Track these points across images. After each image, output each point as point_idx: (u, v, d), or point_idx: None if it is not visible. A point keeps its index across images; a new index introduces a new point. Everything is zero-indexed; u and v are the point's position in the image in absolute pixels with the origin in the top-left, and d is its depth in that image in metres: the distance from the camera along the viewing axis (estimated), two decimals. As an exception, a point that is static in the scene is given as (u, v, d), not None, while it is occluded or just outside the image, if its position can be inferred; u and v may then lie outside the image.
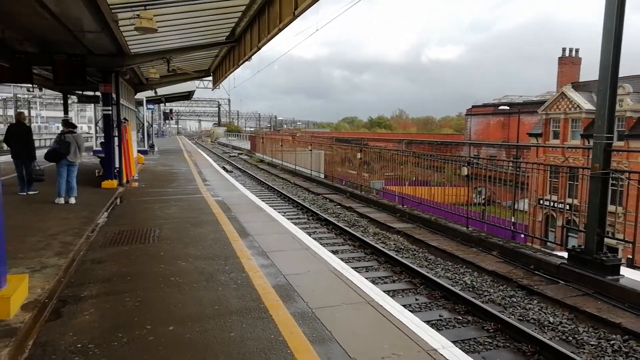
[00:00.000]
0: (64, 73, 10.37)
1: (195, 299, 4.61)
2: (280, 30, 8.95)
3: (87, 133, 40.01)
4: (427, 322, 5.10)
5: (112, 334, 3.81)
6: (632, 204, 6.86)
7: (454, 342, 4.17)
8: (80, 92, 18.81)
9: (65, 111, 20.77)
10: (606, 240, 6.90)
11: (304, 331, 3.88)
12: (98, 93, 14.64)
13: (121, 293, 4.73)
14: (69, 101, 22.74)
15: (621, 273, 6.52)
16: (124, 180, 12.84)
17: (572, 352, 4.87)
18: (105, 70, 11.77)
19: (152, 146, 27.92)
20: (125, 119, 14.50)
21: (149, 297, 4.65)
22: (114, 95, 12.40)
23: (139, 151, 21.58)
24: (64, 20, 7.82)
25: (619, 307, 5.95)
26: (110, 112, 12.16)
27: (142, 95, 24.10)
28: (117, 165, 12.50)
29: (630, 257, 6.67)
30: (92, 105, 23.31)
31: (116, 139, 12.59)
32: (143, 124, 26.51)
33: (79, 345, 3.61)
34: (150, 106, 30.38)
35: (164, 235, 7.16)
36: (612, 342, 5.24)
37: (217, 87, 22.19)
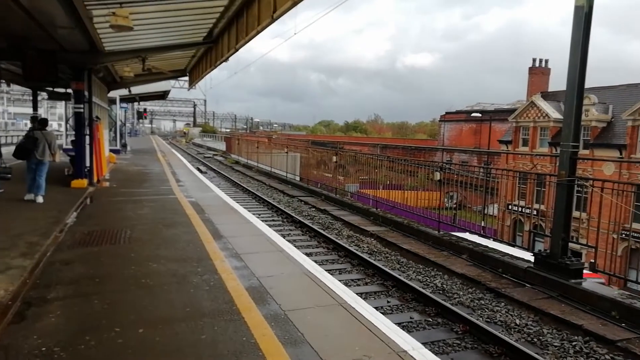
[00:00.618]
0: (34, 69, 10.09)
1: (167, 301, 4.56)
2: (258, 32, 8.95)
3: (58, 131, 38.91)
4: (398, 324, 5.17)
5: (79, 337, 3.74)
6: (596, 210, 7.13)
7: (423, 343, 4.26)
8: (51, 89, 18.28)
9: (35, 108, 20.19)
10: (570, 245, 7.15)
11: (276, 333, 3.89)
12: (69, 90, 14.27)
13: (89, 295, 4.64)
14: (39, 97, 22.08)
15: (584, 277, 6.77)
16: (95, 180, 12.59)
17: (536, 353, 5.02)
18: (78, 67, 11.52)
19: (124, 145, 27.40)
20: (97, 117, 14.22)
21: (118, 300, 4.57)
22: (86, 93, 12.15)
23: (110, 150, 21.15)
24: (36, 14, 7.63)
25: (581, 310, 6.17)
26: (81, 110, 11.89)
27: (115, 94, 23.65)
28: (87, 164, 12.23)
29: (593, 261, 6.92)
30: (63, 102, 22.76)
31: (87, 137, 12.32)
32: (116, 123, 26.00)
33: (44, 349, 3.53)
34: (124, 105, 29.84)
35: (135, 237, 7.05)
36: (574, 343, 5.42)
37: (193, 87, 21.99)
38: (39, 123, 10.06)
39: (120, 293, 4.75)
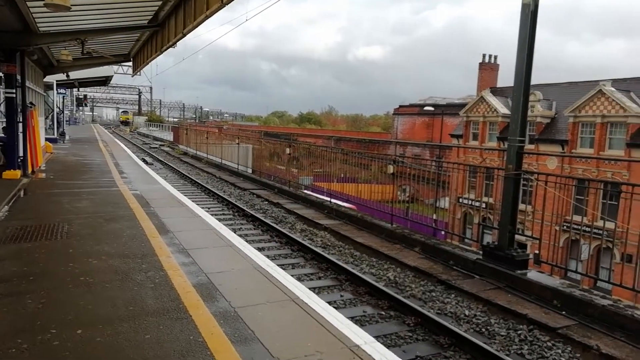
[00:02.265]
0: (-43, 48, 9.25)
1: (108, 300, 4.27)
2: (207, 17, 8.61)
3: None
4: (351, 318, 5.13)
5: (9, 339, 3.42)
6: (540, 203, 7.41)
7: (376, 337, 4.23)
8: (-22, 72, 16.92)
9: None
10: (516, 237, 7.40)
11: (226, 331, 3.73)
12: (0, 73, 13.26)
13: (22, 294, 4.28)
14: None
15: (528, 268, 7.04)
16: (29, 171, 11.81)
17: (484, 343, 5.14)
18: (9, 48, 10.66)
19: (62, 134, 25.90)
20: (31, 103, 13.32)
21: (54, 299, 4.24)
22: (18, 77, 11.30)
23: (47, 139, 19.91)
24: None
25: (526, 299, 6.41)
26: (13, 95, 11.06)
27: (52, 79, 22.25)
28: (21, 153, 11.42)
29: (537, 252, 7.20)
30: (-7, 86, 21.13)
31: (20, 125, 11.49)
32: (53, 110, 24.50)
33: (-33, 355, 3.19)
34: (62, 91, 28.19)
35: (73, 231, 6.60)
36: (519, 332, 5.61)
37: (138, 73, 21.06)
38: None
39: (57, 292, 4.40)
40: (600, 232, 7.03)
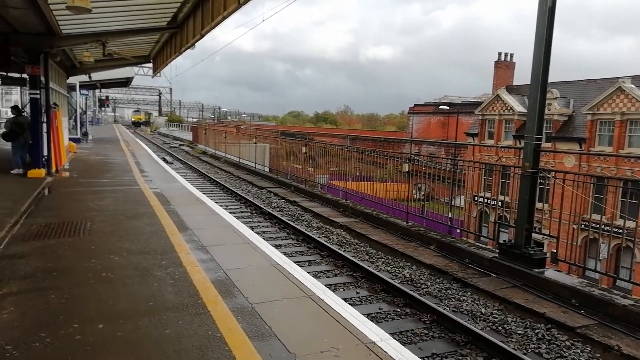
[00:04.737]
0: (-16, 52, 9.55)
1: (129, 295, 4.39)
2: (224, 17, 8.73)
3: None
4: (367, 315, 5.17)
5: (33, 333, 3.54)
6: (557, 201, 7.32)
7: (392, 334, 4.25)
8: (5, 73, 17.35)
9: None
10: (533, 235, 7.32)
11: (243, 327, 3.79)
12: (25, 75, 13.61)
13: (46, 290, 4.41)
14: (-8, 82, 20.93)
15: (546, 266, 6.96)
16: (53, 170, 12.08)
17: (501, 342, 5.12)
18: (33, 50, 10.94)
19: (85, 134, 26.43)
20: (55, 104, 13.64)
21: (77, 294, 4.37)
22: (42, 78, 11.57)
23: (70, 139, 20.34)
24: (-16, -8, 7.16)
25: (544, 298, 6.34)
26: (38, 96, 11.33)
27: (75, 80, 22.74)
28: (45, 153, 11.71)
29: (554, 251, 7.11)
30: (18, 88, 21.75)
31: (45, 125, 11.78)
32: (76, 110, 25.02)
33: (-5, 347, 3.31)
34: (84, 92, 28.73)
35: (95, 228, 6.78)
36: (536, 331, 5.57)
37: (158, 74, 21.38)
38: (18, 110, 11.68)
39: (79, 287, 4.53)
40: (620, 231, 6.91)
